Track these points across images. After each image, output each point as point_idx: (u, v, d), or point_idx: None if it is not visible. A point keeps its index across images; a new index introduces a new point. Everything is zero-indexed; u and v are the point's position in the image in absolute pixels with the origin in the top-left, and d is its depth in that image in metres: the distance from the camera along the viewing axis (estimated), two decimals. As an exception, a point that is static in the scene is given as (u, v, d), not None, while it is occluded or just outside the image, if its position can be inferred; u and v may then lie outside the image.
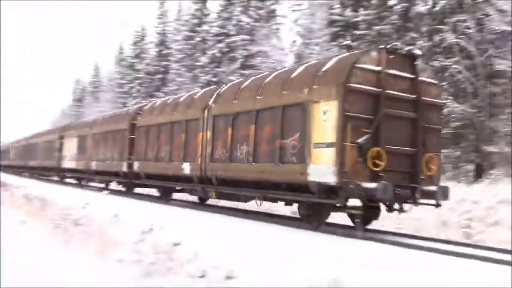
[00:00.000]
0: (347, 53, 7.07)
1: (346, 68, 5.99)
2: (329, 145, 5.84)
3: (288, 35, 23.98)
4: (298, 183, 6.49)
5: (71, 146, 17.95)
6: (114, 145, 13.83)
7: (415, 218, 7.51)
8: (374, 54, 6.10)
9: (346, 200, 6.06)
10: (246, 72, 22.58)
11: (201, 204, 11.04)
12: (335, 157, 5.72)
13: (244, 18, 24.62)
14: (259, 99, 7.44)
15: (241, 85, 8.51)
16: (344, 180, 5.72)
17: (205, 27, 29.27)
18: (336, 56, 6.93)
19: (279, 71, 8.04)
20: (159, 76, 35.38)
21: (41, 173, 25.09)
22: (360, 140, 5.75)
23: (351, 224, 6.87)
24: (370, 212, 6.56)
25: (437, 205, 6.30)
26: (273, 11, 25.34)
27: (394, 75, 6.16)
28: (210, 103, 9.01)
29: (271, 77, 7.82)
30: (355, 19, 16.38)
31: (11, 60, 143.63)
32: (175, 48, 31.98)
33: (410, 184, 6.15)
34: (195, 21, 29.80)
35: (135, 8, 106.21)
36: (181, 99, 10.79)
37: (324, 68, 6.44)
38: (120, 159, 13.08)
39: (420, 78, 6.33)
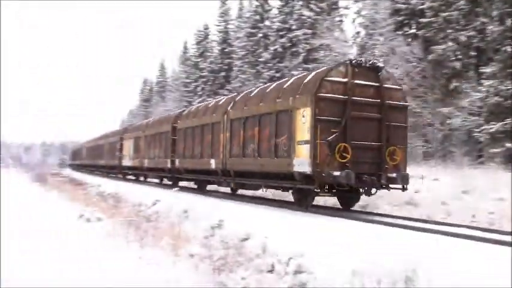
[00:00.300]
0: (322, 68, 9.01)
1: (317, 81, 7.87)
2: (306, 142, 7.79)
3: (351, 26, 23.53)
4: (286, 173, 8.46)
5: (129, 147, 21.11)
6: (160, 145, 16.51)
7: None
8: (341, 68, 8.01)
9: (322, 186, 7.87)
10: (310, 66, 22.70)
11: (233, 195, 13.02)
12: (310, 152, 7.66)
13: (306, 12, 24.51)
14: (261, 106, 9.59)
15: (251, 94, 10.75)
16: (317, 170, 7.66)
17: (267, 23, 29.60)
18: (315, 70, 8.98)
19: (278, 82, 10.17)
20: (223, 74, 36.45)
21: (107, 171, 28.93)
22: (329, 138, 7.69)
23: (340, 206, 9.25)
24: (351, 195, 8.60)
25: (404, 189, 8.01)
26: (335, 2, 24.91)
27: (360, 84, 8.02)
28: (228, 109, 11.24)
29: (271, 87, 9.97)
30: (421, 6, 15.83)
31: (87, 63, 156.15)
32: (237, 46, 32.75)
33: (377, 172, 7.98)
34: (257, 17, 30.25)
35: (197, 8, 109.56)
36: (209, 105, 13.34)
37: (305, 81, 8.35)
38: (165, 157, 15.48)
39: (385, 85, 8.17)
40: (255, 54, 30.57)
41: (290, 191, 9.25)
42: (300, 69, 23.63)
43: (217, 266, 4.16)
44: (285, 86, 9.27)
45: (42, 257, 5.60)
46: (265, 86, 10.94)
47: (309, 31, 24.85)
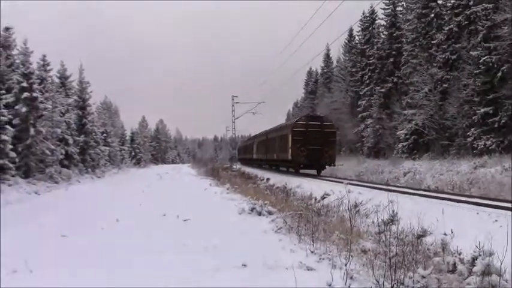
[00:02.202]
0: (296, 118, 28.92)
1: (293, 123, 26.78)
2: (289, 148, 25.60)
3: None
4: (286, 159, 26.76)
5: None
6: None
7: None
8: (303, 117, 26.91)
9: (295, 163, 25.70)
10: (491, 45, 20.67)
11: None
12: (290, 151, 25.46)
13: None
14: (277, 132, 30.54)
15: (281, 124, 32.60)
16: (291, 157, 25.45)
17: (439, 1, 27.14)
18: (294, 119, 29.29)
19: (282, 123, 32.73)
20: (391, 60, 34.92)
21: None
22: (297, 145, 24.67)
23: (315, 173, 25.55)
24: (319, 169, 26.39)
25: (333, 165, 26.05)
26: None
27: (312, 123, 25.61)
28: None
29: (280, 124, 33.00)
30: None
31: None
32: (407, 29, 30.89)
33: (319, 158, 25.25)
34: (430, -5, 27.96)
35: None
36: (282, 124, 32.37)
37: (289, 123, 29.33)
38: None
39: (324, 123, 25.90)
40: (427, 37, 28.32)
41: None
42: (480, 49, 21.15)
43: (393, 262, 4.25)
44: (284, 125, 29.96)
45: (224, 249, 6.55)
46: (279, 124, 31.39)
47: (490, 5, 21.76)
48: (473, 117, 22.29)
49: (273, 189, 17.28)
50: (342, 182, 13.09)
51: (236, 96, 43.75)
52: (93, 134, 34.61)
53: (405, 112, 28.44)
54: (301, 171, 27.73)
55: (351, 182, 15.89)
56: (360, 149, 38.65)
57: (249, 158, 49.00)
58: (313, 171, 26.94)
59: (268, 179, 23.69)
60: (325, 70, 57.54)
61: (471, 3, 24.09)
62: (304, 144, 26.30)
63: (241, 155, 60.98)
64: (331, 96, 47.08)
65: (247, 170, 37.68)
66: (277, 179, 21.74)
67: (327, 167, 26.77)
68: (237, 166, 44.99)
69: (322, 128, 26.96)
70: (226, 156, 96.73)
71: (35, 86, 22.58)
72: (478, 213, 8.66)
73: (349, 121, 41.37)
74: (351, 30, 46.88)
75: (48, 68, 29.03)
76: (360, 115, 38.93)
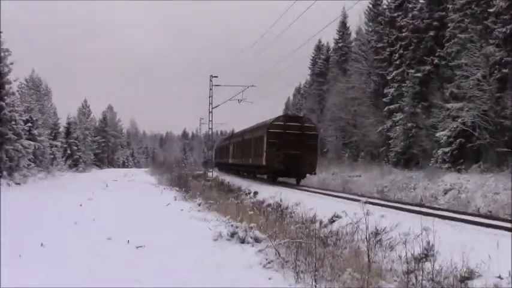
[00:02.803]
0: (274, 117, 33.34)
1: (268, 124, 32.44)
2: (264, 151, 31.86)
3: None
4: (260, 165, 33.27)
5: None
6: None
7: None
8: (281, 117, 32.95)
9: (270, 170, 32.11)
10: None
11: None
12: (265, 155, 31.51)
13: None
14: (253, 133, 37.48)
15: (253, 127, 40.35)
16: (266, 163, 31.54)
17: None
18: (270, 119, 33.40)
19: (260, 122, 37.64)
20: (431, 33, 35.11)
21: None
22: (273, 149, 30.88)
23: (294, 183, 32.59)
24: (298, 178, 32.75)
25: (314, 173, 32.03)
26: None
27: (290, 124, 31.51)
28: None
29: (254, 125, 39.77)
30: None
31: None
32: (455, -9, 31.12)
33: (298, 165, 30.54)
34: None
35: None
36: (259, 123, 37.01)
37: (266, 123, 33.63)
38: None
39: (305, 124, 31.68)
40: (481, 3, 28.51)
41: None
42: None
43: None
44: (260, 125, 36.27)
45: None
46: (255, 124, 38.83)
47: None
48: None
49: (263, 206, 17.33)
50: (358, 200, 13.16)
51: (216, 77, 43.96)
52: (12, 122, 34.03)
53: (449, 106, 28.53)
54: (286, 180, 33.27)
55: (371, 200, 15.96)
56: (385, 154, 39.03)
57: (225, 163, 53.77)
58: (314, 183, 30.98)
59: (256, 193, 23.73)
60: (340, 44, 57.91)
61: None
62: (281, 148, 30.74)
63: (218, 158, 63.37)
64: (348, 81, 47.50)
65: (227, 179, 37.72)
66: (268, 193, 21.78)
67: (308, 175, 32.85)
68: (214, 173, 45.02)
69: (303, 130, 31.32)
70: (199, 159, 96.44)
71: None
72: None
73: (371, 116, 41.80)
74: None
75: None
76: (385, 108, 39.30)
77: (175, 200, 21.87)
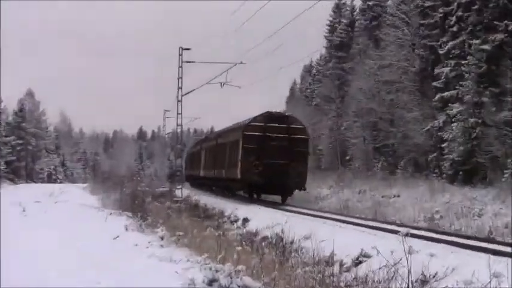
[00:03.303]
0: (250, 117, 38.63)
1: (244, 125, 37.45)
2: (239, 161, 36.25)
3: None
4: (235, 178, 38.17)
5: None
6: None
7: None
8: (261, 117, 36.59)
9: (246, 185, 36.40)
10: None
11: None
12: (239, 166, 35.71)
13: None
14: (227, 136, 43.63)
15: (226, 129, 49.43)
16: (241, 176, 35.81)
17: None
18: (248, 118, 38.54)
19: (237, 123, 43.84)
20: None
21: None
22: (250, 158, 35.03)
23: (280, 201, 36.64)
24: (283, 195, 36.44)
25: (303, 189, 36.08)
26: None
27: (273, 126, 35.56)
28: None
29: (230, 126, 46.63)
30: None
31: None
32: None
33: (281, 178, 34.09)
34: None
35: None
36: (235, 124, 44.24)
37: (242, 124, 39.08)
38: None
39: (291, 126, 35.95)
40: None
41: None
42: None
43: None
44: (235, 126, 42.90)
45: None
46: (231, 126, 46.41)
47: None
48: None
49: (256, 240, 17.32)
50: (395, 232, 13.18)
51: (187, 49, 43.91)
52: None
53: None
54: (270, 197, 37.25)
55: (415, 231, 15.95)
56: (436, 164, 39.13)
57: (196, 176, 58.64)
58: (331, 206, 31.89)
59: (246, 221, 23.71)
60: (371, 3, 58.01)
61: None
62: (260, 157, 33.95)
63: (189, 169, 66.50)
64: (381, 57, 47.63)
65: (204, 199, 37.55)
66: (264, 221, 21.77)
67: (295, 191, 36.28)
68: (183, 191, 44.85)
69: (289, 133, 34.73)
70: (162, 170, 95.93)
71: None
72: None
73: (415, 107, 41.93)
74: None
75: None
76: (437, 96, 39.38)
77: (127, 230, 21.71)
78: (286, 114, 40.11)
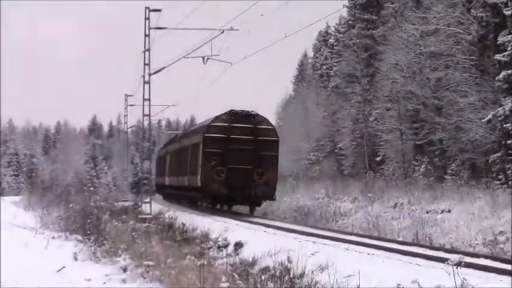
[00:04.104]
0: (212, 117, 47.49)
1: (206, 126, 46.15)
2: (199, 167, 44.76)
3: None
4: (195, 186, 47.48)
5: None
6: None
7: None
8: (224, 116, 43.55)
9: (208, 194, 43.94)
10: None
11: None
12: (200, 172, 43.87)
13: None
14: (191, 140, 51.54)
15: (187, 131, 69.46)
16: (201, 184, 43.65)
17: None
18: (210, 118, 47.80)
19: (197, 124, 69.43)
20: None
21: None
22: (211, 164, 42.46)
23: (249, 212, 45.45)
24: (251, 205, 44.87)
25: (272, 199, 45.31)
26: None
27: (237, 126, 42.59)
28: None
29: (195, 127, 67.20)
30: None
31: None
32: None
33: (248, 186, 41.39)
34: None
35: None
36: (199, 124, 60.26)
37: (203, 125, 50.97)
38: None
39: (258, 126, 43.12)
40: None
41: None
42: None
43: None
44: (196, 128, 56.70)
45: None
46: (195, 126, 66.51)
47: None
48: None
49: (253, 273, 17.40)
50: (444, 260, 13.25)
51: (158, 10, 43.88)
52: None
53: None
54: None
55: (470, 259, 16.01)
56: (501, 168, 39.24)
57: (163, 184, 67.93)
58: (355, 226, 33.03)
59: (238, 246, 23.75)
60: None
61: None
62: (223, 162, 39.79)
63: (159, 176, 73.20)
64: (423, 20, 47.60)
65: (182, 217, 37.57)
66: (264, 246, 21.83)
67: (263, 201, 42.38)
68: (154, 205, 44.82)
69: (256, 135, 40.93)
70: (125, 178, 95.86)
71: None
72: None
73: (472, 89, 41.90)
74: None
75: None
76: (501, 74, 39.45)
77: (76, 259, 21.78)
78: (253, 112, 43.90)
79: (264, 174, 38.06)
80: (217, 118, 40.92)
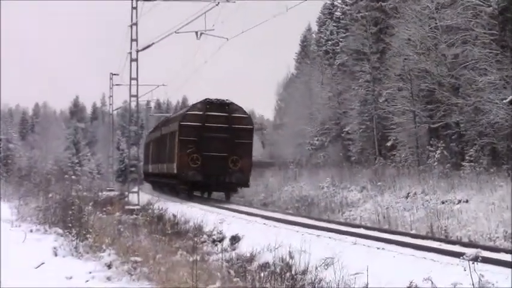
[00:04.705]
0: (189, 105, 75.03)
1: (182, 114, 57.40)
2: (175, 154, 53.43)
3: None
4: (172, 173, 57.01)
5: None
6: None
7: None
8: (199, 105, 52.55)
9: (184, 181, 52.24)
10: None
11: None
12: (176, 160, 52.44)
13: None
14: (169, 128, 60.93)
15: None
16: (177, 171, 52.00)
17: None
18: (187, 107, 73.34)
19: (177, 112, 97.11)
20: None
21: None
22: (186, 151, 51.15)
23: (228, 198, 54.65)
24: (227, 192, 54.56)
25: (246, 186, 53.67)
26: None
27: (212, 115, 50.74)
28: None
29: (173, 114, 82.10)
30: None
31: None
32: None
33: (222, 173, 49.55)
34: None
35: None
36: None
37: (180, 113, 66.26)
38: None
39: (233, 115, 51.09)
40: None
41: None
42: None
43: None
44: (176, 115, 68.01)
45: None
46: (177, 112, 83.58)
47: None
48: None
49: (251, 270, 17.48)
50: (459, 255, 13.30)
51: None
52: None
53: None
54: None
55: (489, 254, 16.03)
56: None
57: (147, 172, 76.19)
58: (364, 217, 33.39)
59: (235, 240, 23.81)
60: None
61: None
62: (199, 150, 44.93)
63: (147, 164, 77.55)
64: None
65: (174, 207, 37.67)
66: (262, 240, 21.89)
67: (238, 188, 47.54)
68: (143, 196, 44.95)
69: (230, 123, 46.21)
70: (110, 165, 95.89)
71: None
72: None
73: (491, 68, 41.92)
74: None
75: None
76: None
77: (56, 255, 21.79)
78: (228, 101, 50.10)
79: (239, 162, 43.89)
80: (193, 106, 47.89)
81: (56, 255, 21.84)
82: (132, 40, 43.93)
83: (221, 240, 24.98)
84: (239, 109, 47.44)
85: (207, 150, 42.30)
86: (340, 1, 78.56)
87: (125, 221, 31.24)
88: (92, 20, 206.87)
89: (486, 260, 12.63)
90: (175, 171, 44.46)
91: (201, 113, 43.67)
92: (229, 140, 42.92)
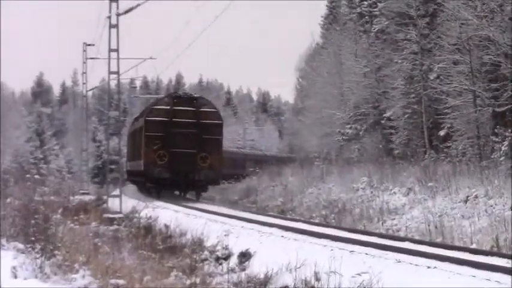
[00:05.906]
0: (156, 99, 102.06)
1: (148, 109, 75.84)
2: (142, 151, 69.82)
3: None
4: (139, 170, 73.49)
5: None
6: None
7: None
8: (166, 99, 70.99)
9: (151, 179, 67.19)
10: None
11: None
12: (143, 157, 68.14)
13: None
14: (139, 122, 79.22)
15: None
16: (145, 168, 66.80)
17: None
18: (155, 100, 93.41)
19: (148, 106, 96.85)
20: None
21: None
22: (152, 147, 65.45)
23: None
24: (198, 191, 69.83)
25: (217, 183, 71.36)
26: None
27: (180, 109, 63.62)
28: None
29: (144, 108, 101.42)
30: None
31: None
32: None
33: (191, 171, 62.95)
34: None
35: None
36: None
37: (146, 108, 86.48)
38: None
39: (201, 109, 64.81)
40: None
41: None
42: None
43: None
44: (144, 109, 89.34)
45: None
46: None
47: None
48: None
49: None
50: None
51: None
52: None
53: None
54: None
55: None
56: None
57: (132, 170, 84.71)
58: (412, 228, 33.99)
59: (245, 257, 23.91)
60: None
61: None
62: (165, 146, 51.91)
63: (130, 159, 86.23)
64: None
65: (164, 216, 37.92)
66: (279, 257, 21.99)
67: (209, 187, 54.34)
68: (126, 200, 45.22)
69: (199, 118, 54.07)
70: (84, 162, 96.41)
71: None
72: None
73: None
74: None
75: None
76: None
77: (16, 277, 21.86)
78: (196, 95, 58.67)
79: (208, 158, 50.33)
80: (159, 101, 54.76)
81: (15, 277, 21.87)
82: (111, 1, 43.90)
83: (227, 257, 24.95)
84: (208, 103, 56.02)
85: (175, 147, 48.97)
86: None
87: (104, 233, 31.32)
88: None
89: None
90: (142, 168, 49.79)
91: (168, 107, 50.68)
92: (198, 136, 49.63)
